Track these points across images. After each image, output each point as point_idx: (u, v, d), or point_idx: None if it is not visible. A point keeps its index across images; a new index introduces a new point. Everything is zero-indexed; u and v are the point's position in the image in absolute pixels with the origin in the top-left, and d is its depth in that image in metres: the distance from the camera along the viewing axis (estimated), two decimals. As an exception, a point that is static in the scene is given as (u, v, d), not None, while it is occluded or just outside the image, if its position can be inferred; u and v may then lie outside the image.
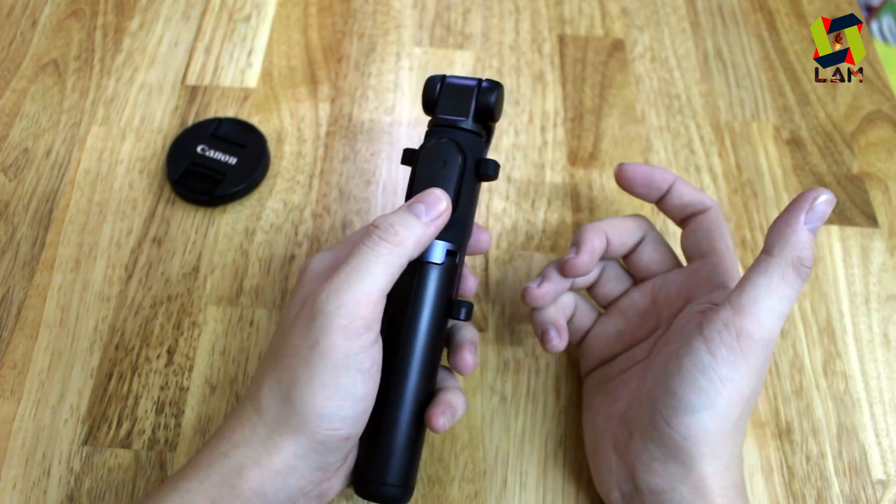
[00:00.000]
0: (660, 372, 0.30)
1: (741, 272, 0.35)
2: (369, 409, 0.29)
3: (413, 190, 0.33)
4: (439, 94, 0.34)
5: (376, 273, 0.28)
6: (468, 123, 0.33)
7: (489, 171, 0.33)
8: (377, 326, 0.28)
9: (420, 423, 0.32)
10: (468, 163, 0.33)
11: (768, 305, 0.28)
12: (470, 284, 0.36)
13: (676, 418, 0.28)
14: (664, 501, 0.29)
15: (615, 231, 0.35)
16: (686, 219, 0.36)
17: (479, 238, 0.35)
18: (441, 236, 0.32)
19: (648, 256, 0.36)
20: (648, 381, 0.31)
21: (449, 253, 0.32)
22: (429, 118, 0.35)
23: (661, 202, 0.36)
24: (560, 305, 0.36)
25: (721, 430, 0.28)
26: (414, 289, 0.32)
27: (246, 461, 0.28)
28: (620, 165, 0.36)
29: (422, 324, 0.31)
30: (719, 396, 0.28)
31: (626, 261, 0.37)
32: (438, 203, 0.30)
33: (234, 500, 0.27)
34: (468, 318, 0.33)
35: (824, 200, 0.29)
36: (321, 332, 0.27)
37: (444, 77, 0.35)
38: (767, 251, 0.29)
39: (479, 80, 0.34)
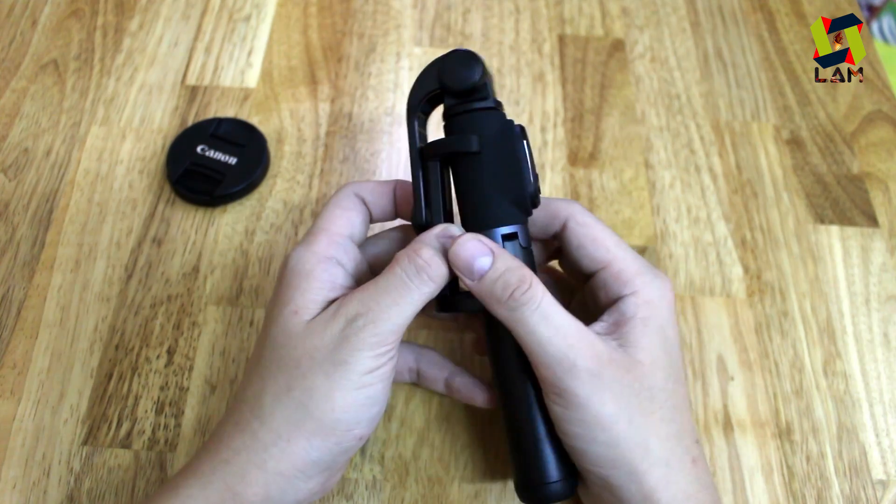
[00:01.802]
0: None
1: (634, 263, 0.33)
2: (384, 408, 0.29)
3: (488, 182, 0.30)
4: (482, 74, 0.31)
5: (412, 303, 0.28)
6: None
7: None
8: (397, 346, 0.29)
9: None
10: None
11: (536, 347, 0.28)
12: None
13: (581, 459, 0.29)
14: None
15: None
16: (559, 237, 0.33)
17: None
18: (496, 222, 0.30)
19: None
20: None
21: (507, 237, 0.31)
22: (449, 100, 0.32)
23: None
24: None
25: (624, 452, 0.28)
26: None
27: (249, 467, 0.28)
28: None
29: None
30: (590, 429, 0.28)
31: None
32: (472, 248, 0.29)
33: None
34: None
35: (457, 244, 0.29)
36: (352, 354, 0.28)
37: (471, 53, 0.31)
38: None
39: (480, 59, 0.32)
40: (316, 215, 0.44)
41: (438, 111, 0.33)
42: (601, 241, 0.31)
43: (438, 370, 0.36)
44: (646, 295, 0.30)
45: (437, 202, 0.31)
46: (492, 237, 0.30)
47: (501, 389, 0.32)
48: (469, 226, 0.31)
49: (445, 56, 0.32)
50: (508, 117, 0.32)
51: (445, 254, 0.29)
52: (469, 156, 0.31)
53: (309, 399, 0.27)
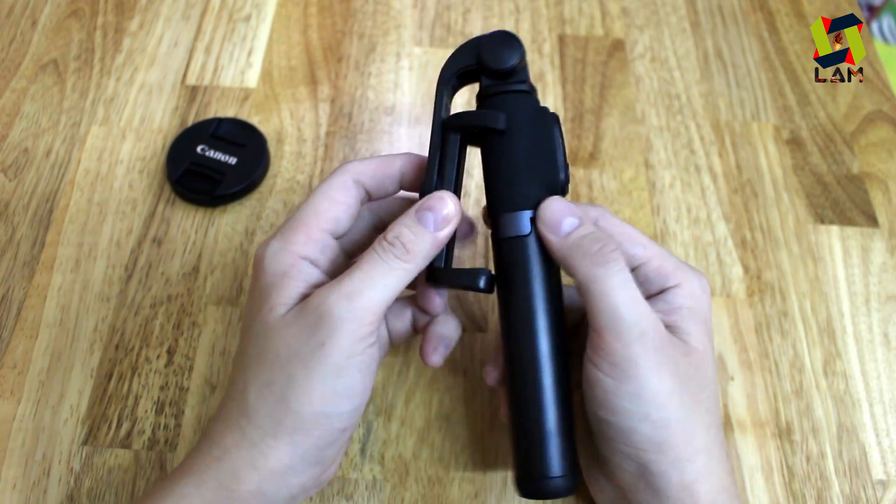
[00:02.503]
0: (590, 409, 0.30)
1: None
2: (365, 402, 0.29)
3: (520, 164, 0.30)
4: (522, 58, 0.31)
5: (388, 285, 0.28)
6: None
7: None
8: (378, 331, 0.29)
9: (566, 404, 0.30)
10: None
11: (608, 312, 0.28)
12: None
13: (623, 440, 0.28)
14: None
15: None
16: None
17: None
18: (524, 205, 0.30)
19: None
20: (588, 419, 0.30)
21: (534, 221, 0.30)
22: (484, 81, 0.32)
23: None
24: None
25: (674, 434, 0.28)
26: (514, 268, 0.30)
27: (240, 465, 0.28)
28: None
29: (535, 301, 0.30)
30: (644, 405, 0.27)
31: None
32: (444, 207, 0.29)
33: (233, 502, 0.27)
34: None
35: (545, 204, 0.30)
36: (329, 335, 0.27)
37: (513, 35, 0.31)
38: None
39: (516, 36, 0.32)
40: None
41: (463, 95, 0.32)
42: (637, 239, 0.31)
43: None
44: (689, 288, 0.30)
45: (451, 175, 0.31)
46: (520, 219, 0.30)
47: (515, 369, 0.30)
48: (496, 205, 0.31)
49: (487, 35, 0.31)
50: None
51: (434, 228, 0.29)
52: (497, 134, 0.31)
53: (289, 391, 0.27)
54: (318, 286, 0.29)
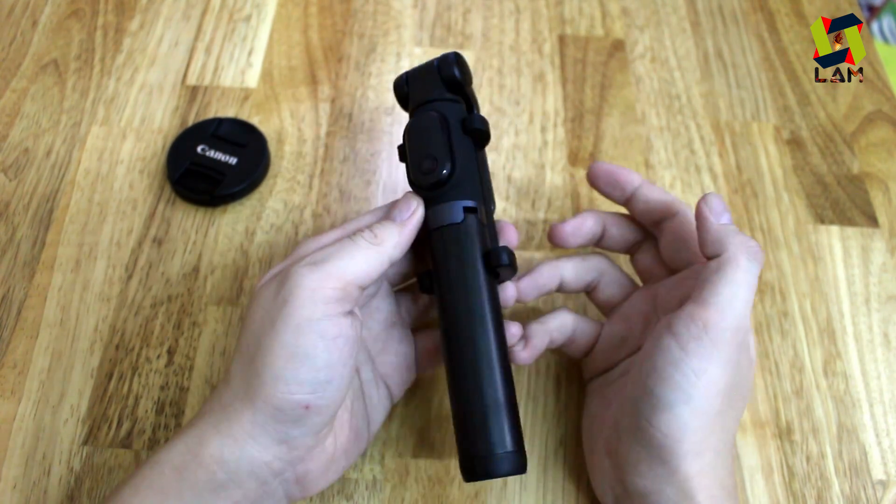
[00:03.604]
0: (638, 373, 0.30)
1: None
2: (333, 381, 0.28)
3: (408, 168, 0.34)
4: (408, 87, 0.35)
5: (355, 259, 0.30)
6: (440, 94, 0.34)
7: (475, 124, 0.33)
8: (348, 306, 0.29)
9: (504, 380, 0.30)
10: (451, 123, 0.33)
11: (729, 293, 0.29)
12: (511, 237, 0.36)
13: (656, 416, 0.29)
14: (651, 503, 0.30)
15: (612, 222, 0.37)
16: (658, 224, 0.36)
17: (507, 237, 0.36)
18: (454, 196, 0.32)
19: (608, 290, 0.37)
20: (629, 383, 0.31)
21: (467, 210, 0.32)
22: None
23: (628, 204, 0.37)
24: (557, 324, 0.36)
25: (702, 426, 0.29)
26: (444, 251, 0.32)
27: (207, 428, 0.28)
28: (591, 164, 0.37)
29: (465, 281, 0.31)
30: (695, 389, 0.28)
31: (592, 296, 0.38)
32: (409, 203, 0.33)
33: (197, 466, 0.28)
34: (511, 262, 0.32)
35: (710, 194, 0.32)
36: (289, 293, 0.28)
37: (406, 73, 0.36)
38: (709, 258, 0.31)
39: (437, 59, 0.35)
40: (316, 216, 0.44)
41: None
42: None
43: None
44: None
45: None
46: (454, 209, 0.32)
47: (455, 344, 0.31)
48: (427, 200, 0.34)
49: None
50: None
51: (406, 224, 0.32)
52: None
53: (256, 351, 0.28)
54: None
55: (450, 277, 0.32)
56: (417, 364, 0.36)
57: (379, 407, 0.34)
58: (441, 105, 0.34)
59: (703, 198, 0.32)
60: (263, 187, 0.45)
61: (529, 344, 0.34)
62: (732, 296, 0.29)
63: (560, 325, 0.36)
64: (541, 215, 0.45)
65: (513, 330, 0.34)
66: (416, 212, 0.33)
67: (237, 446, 0.28)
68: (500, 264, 0.32)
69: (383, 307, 0.35)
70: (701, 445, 0.29)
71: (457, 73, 0.34)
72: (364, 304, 0.35)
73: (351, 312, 0.29)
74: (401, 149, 0.35)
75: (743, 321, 0.29)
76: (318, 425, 0.29)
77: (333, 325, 0.28)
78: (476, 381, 0.30)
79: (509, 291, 0.35)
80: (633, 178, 0.36)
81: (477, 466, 0.29)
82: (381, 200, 0.45)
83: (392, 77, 0.51)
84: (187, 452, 0.28)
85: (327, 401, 0.28)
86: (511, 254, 0.32)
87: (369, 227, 0.31)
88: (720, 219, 0.32)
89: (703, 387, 0.28)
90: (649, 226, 0.36)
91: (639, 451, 0.30)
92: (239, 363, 0.29)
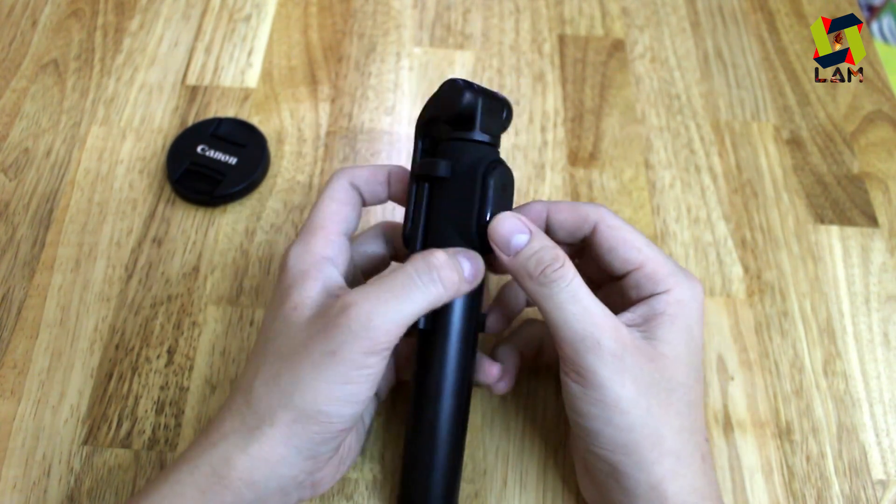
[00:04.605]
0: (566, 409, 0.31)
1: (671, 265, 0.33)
2: (368, 407, 0.30)
3: (478, 210, 0.31)
4: (481, 109, 0.31)
5: (415, 302, 0.28)
6: (495, 139, 0.33)
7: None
8: (394, 345, 0.29)
9: (458, 444, 0.32)
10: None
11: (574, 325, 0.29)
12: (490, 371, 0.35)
13: (593, 441, 0.30)
14: None
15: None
16: (587, 240, 0.33)
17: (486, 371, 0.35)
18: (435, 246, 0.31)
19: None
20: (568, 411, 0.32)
21: None
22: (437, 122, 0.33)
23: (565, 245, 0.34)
24: (526, 339, 0.36)
25: (639, 437, 0.29)
26: (443, 312, 0.31)
27: (234, 450, 0.28)
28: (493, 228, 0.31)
29: (453, 343, 0.31)
30: (607, 410, 0.29)
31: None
32: (479, 272, 0.30)
33: (224, 489, 0.28)
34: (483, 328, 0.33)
35: (501, 217, 0.31)
36: (342, 346, 0.27)
37: (473, 86, 0.31)
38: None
39: (502, 95, 0.33)
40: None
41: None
42: (632, 243, 0.32)
43: None
44: (678, 294, 0.31)
45: (418, 220, 0.32)
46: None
47: (424, 398, 0.32)
48: (412, 242, 0.32)
49: (445, 82, 0.32)
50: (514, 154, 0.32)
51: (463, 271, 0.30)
52: (437, 180, 0.32)
53: (295, 387, 0.28)
54: (337, 286, 0.30)
55: (442, 334, 0.31)
56: (398, 369, 0.36)
57: (371, 406, 0.35)
58: (501, 163, 0.32)
59: (490, 229, 0.30)
60: (263, 187, 0.45)
61: (506, 375, 0.35)
62: (564, 328, 0.29)
63: (533, 335, 0.36)
64: (541, 215, 0.45)
65: (493, 372, 0.34)
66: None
67: (268, 468, 0.28)
68: (482, 331, 0.33)
69: None
70: (652, 454, 0.29)
71: (504, 128, 0.33)
72: None
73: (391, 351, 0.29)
74: (424, 162, 0.32)
75: (591, 338, 0.29)
76: (343, 440, 0.30)
77: (377, 371, 0.28)
78: (431, 443, 0.31)
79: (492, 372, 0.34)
80: (538, 210, 0.33)
81: None
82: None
83: (392, 77, 0.51)
84: (213, 475, 0.28)
85: (356, 422, 0.30)
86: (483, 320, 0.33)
87: (443, 262, 0.29)
88: (509, 248, 0.30)
89: (613, 406, 0.29)
90: (578, 249, 0.35)
91: (602, 467, 0.30)
92: (267, 388, 0.28)
